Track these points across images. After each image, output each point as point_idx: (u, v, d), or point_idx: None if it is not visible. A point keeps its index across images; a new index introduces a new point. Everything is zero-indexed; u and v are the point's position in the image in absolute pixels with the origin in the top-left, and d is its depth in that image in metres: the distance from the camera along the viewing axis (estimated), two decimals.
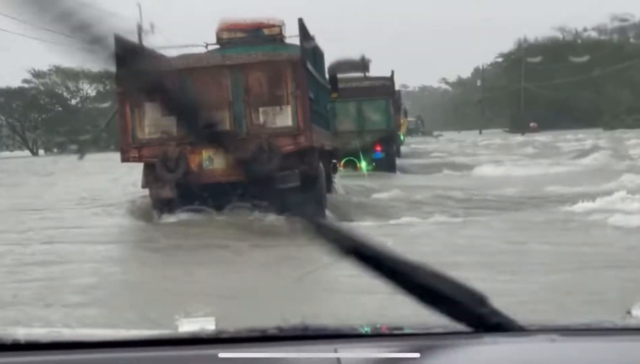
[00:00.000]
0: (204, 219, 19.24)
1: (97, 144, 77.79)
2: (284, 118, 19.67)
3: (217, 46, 22.43)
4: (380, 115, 38.06)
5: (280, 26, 22.67)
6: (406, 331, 1.90)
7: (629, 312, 1.99)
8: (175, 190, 19.51)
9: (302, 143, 19.63)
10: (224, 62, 19.98)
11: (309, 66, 20.43)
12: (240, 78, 19.75)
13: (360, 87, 37.23)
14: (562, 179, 28.68)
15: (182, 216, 19.57)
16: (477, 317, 1.75)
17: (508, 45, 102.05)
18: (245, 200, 19.80)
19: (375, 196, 24.89)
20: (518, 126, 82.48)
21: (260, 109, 19.67)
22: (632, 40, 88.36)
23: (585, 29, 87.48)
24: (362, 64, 40.26)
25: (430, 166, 43.55)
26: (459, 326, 1.77)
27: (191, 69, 19.58)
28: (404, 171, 40.00)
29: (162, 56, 21.92)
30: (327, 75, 25.59)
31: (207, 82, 19.64)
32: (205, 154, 19.63)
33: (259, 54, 20.07)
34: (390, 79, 41.37)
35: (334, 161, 25.58)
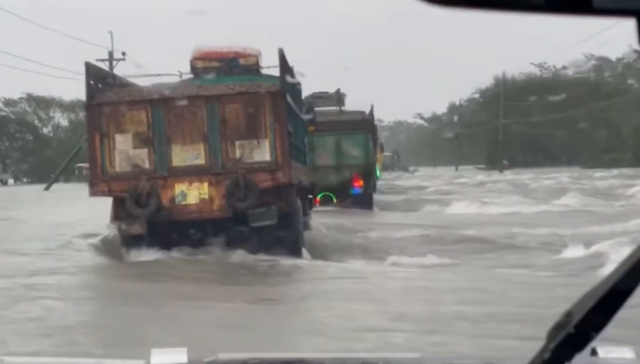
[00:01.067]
0: (175, 259, 18.28)
1: (68, 174, 76.61)
2: (262, 152, 18.86)
3: (191, 76, 21.50)
4: (358, 149, 37.36)
5: (257, 56, 21.78)
6: None
7: (594, 352, 1.99)
8: (146, 226, 18.53)
9: (280, 179, 18.78)
10: (199, 92, 19.09)
11: (289, 98, 19.53)
12: (216, 110, 18.87)
13: (338, 121, 36.50)
14: (542, 220, 27.91)
15: (152, 254, 18.59)
16: None
17: (485, 81, 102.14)
18: (220, 238, 18.99)
19: (358, 234, 23.96)
20: (493, 162, 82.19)
21: (237, 143, 18.83)
22: (609, 79, 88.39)
23: (564, 67, 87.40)
24: (338, 98, 39.47)
25: (407, 202, 42.70)
26: None
27: (165, 99, 18.76)
28: (382, 207, 39.22)
29: (134, 86, 21.27)
30: (304, 108, 24.70)
31: (182, 114, 18.85)
32: (178, 188, 18.75)
33: (236, 85, 19.19)
34: (370, 113, 40.61)
35: (310, 196, 24.66)
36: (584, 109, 76.51)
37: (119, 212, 18.98)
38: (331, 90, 39.17)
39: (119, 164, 18.81)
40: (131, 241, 18.99)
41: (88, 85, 18.64)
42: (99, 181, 18.84)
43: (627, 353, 2.15)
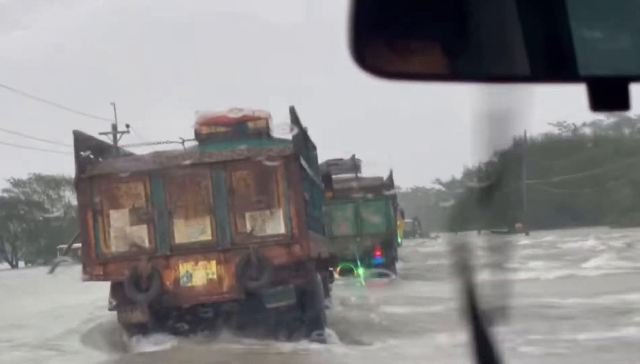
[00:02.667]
0: (183, 347, 16.14)
1: (75, 255, 74.51)
2: (275, 224, 16.90)
3: (196, 143, 19.41)
4: (379, 217, 35.75)
5: (267, 119, 19.66)
6: None
7: None
8: (148, 313, 16.46)
9: (297, 253, 16.76)
10: (202, 159, 17.09)
11: (303, 162, 17.46)
12: (222, 178, 16.91)
13: (358, 187, 34.83)
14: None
15: (156, 344, 16.51)
16: None
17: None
18: (233, 323, 16.91)
19: (383, 309, 21.70)
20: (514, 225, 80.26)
21: (247, 214, 16.91)
22: (627, 136, 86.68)
23: (584, 124, 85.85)
24: (354, 164, 37.86)
25: (430, 270, 40.71)
26: None
27: (164, 169, 16.75)
28: (404, 276, 37.15)
29: (131, 155, 19.25)
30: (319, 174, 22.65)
31: (184, 184, 16.85)
32: (183, 269, 16.80)
33: (244, 149, 17.14)
34: (389, 178, 39.22)
35: (331, 268, 22.44)
36: (606, 168, 74.96)
37: (118, 298, 17.06)
38: (346, 156, 37.46)
39: (115, 244, 16.96)
40: (133, 330, 17.11)
41: (77, 156, 16.67)
42: (94, 263, 16.92)
43: None
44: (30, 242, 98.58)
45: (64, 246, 70.49)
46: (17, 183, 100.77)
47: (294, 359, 15.33)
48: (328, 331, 17.31)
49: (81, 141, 16.97)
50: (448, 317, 19.80)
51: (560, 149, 77.93)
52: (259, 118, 19.69)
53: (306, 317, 16.94)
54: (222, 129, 19.33)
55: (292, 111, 17.47)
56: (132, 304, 16.71)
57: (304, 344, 16.19)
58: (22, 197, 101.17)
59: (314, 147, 21.54)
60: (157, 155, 17.48)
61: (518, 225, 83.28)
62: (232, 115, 19.77)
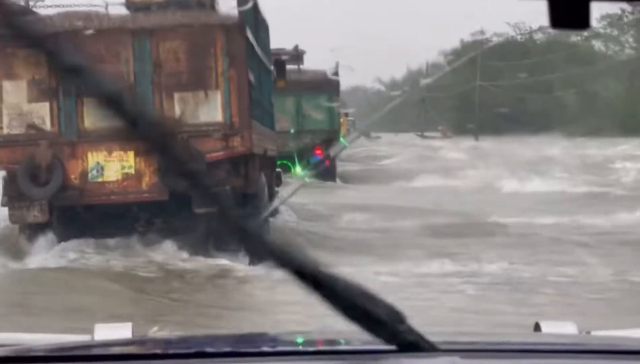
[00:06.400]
0: (89, 261, 13.05)
1: None
2: (211, 110, 13.97)
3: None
4: (321, 113, 34.30)
5: None
6: (329, 348, 2.14)
7: (537, 327, 2.20)
8: (48, 212, 13.38)
9: (237, 147, 13.78)
10: (124, 24, 13.87)
11: (250, 36, 14.25)
12: (147, 48, 13.97)
13: (299, 80, 32.07)
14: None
15: (59, 253, 13.60)
16: (395, 335, 1.86)
17: (449, 44, 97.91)
18: (153, 231, 14.23)
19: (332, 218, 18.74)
20: (463, 128, 78.71)
21: (176, 95, 13.91)
22: (580, 43, 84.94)
23: (540, 27, 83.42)
24: (296, 55, 34.99)
25: (370, 172, 40.04)
26: (378, 343, 1.86)
27: (74, 32, 13.49)
28: (346, 179, 36.18)
29: (35, 14, 15.89)
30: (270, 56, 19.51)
31: (99, 53, 13.72)
32: (92, 160, 13.91)
33: (177, 15, 13.86)
34: (335, 72, 36.21)
35: (278, 170, 19.27)
36: (557, 75, 73.17)
37: (10, 192, 14.05)
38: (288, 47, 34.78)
39: (8, 124, 14.03)
40: (30, 232, 14.36)
41: None
42: None
43: (569, 327, 2.29)
44: None
45: None
46: None
47: (222, 280, 12.27)
48: None
49: None
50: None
51: (513, 52, 75.90)
52: None
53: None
54: None
55: None
56: (28, 201, 13.73)
57: (240, 261, 13.12)
58: None
59: (265, 26, 18.33)
60: (67, 16, 14.08)
61: (440, 128, 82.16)
62: None
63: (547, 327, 2.24)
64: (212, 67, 13.80)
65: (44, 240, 14.10)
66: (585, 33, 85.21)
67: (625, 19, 79.11)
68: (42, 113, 13.85)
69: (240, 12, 14.25)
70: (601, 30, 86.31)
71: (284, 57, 33.35)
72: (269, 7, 18.75)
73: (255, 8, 16.53)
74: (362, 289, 1.78)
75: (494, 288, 11.92)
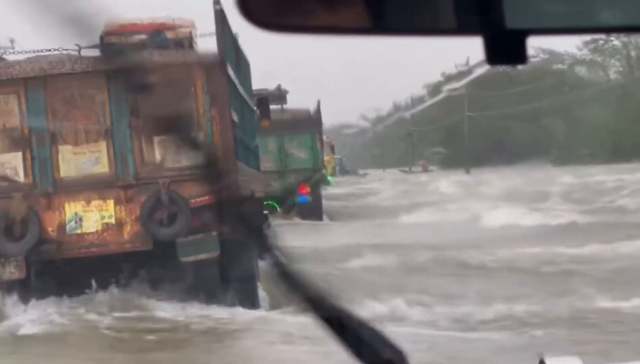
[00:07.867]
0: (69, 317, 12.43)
1: None
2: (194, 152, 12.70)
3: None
4: (305, 152, 34.18)
5: (189, 29, 15.87)
6: None
7: (542, 363, 2.11)
8: (25, 269, 13.06)
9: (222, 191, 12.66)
10: (97, 66, 13.11)
11: (231, 73, 13.70)
12: (124, 91, 12.75)
13: (282, 119, 32.13)
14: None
15: (38, 308, 13.21)
16: None
17: (432, 76, 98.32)
18: (137, 283, 13.65)
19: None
20: (454, 163, 79.19)
21: (156, 139, 13.34)
22: (567, 70, 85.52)
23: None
24: (279, 95, 35.19)
25: (359, 209, 39.86)
26: None
27: (47, 76, 12.93)
28: (332, 216, 36.17)
29: (2, 60, 15.33)
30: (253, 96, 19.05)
31: (72, 98, 13.23)
32: (70, 211, 13.41)
33: (154, 54, 13.21)
34: (317, 110, 36.80)
35: (266, 212, 18.69)
36: (543, 103, 73.41)
37: None
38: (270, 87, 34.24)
39: None
40: (7, 289, 13.63)
41: None
42: None
43: (574, 362, 2.21)
44: None
45: None
46: None
47: (215, 334, 11.61)
48: (262, 294, 13.57)
49: None
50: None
51: (500, 81, 76.31)
52: (180, 27, 15.93)
53: (234, 274, 13.40)
54: (134, 40, 15.46)
55: (219, 13, 13.81)
56: (3, 257, 13.30)
57: (229, 311, 12.52)
58: None
59: (246, 64, 17.81)
60: (36, 60, 13.56)
61: (421, 163, 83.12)
62: (147, 23, 15.93)
63: (552, 363, 2.20)
64: (193, 108, 13.28)
65: (19, 297, 13.51)
66: (570, 60, 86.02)
67: (610, 43, 79.46)
68: (14, 163, 13.39)
69: (220, 49, 13.77)
70: (586, 57, 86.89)
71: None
72: (250, 48, 18.28)
73: (236, 46, 16.10)
74: (364, 323, 1.77)
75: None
